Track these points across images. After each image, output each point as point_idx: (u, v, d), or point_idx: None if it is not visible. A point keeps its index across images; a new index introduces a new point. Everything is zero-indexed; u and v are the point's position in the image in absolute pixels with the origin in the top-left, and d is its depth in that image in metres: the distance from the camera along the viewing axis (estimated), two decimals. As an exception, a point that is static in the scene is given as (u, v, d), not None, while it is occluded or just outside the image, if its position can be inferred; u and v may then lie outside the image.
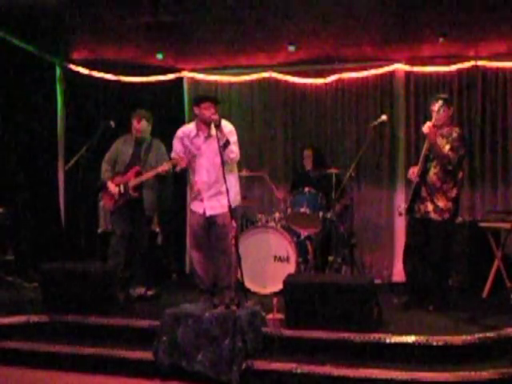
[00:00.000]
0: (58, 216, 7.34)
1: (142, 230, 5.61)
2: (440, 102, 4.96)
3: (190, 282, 6.81)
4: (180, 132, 5.15)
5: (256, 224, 6.03)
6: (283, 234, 5.86)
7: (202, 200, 5.03)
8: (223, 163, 4.69)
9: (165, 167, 5.36)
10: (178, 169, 5.07)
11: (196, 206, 5.09)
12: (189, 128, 5.11)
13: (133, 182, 5.48)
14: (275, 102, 7.45)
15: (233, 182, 5.00)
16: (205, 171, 4.99)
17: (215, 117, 4.79)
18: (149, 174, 5.44)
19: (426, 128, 4.88)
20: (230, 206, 4.59)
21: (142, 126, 5.58)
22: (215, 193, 4.98)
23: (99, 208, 6.85)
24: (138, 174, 5.50)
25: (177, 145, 5.12)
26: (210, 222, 5.03)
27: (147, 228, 5.73)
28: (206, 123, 4.92)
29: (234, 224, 4.57)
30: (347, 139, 7.19)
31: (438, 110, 4.93)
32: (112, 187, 5.50)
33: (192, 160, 5.08)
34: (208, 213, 4.99)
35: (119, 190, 5.49)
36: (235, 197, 5.03)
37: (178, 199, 7.63)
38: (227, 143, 4.81)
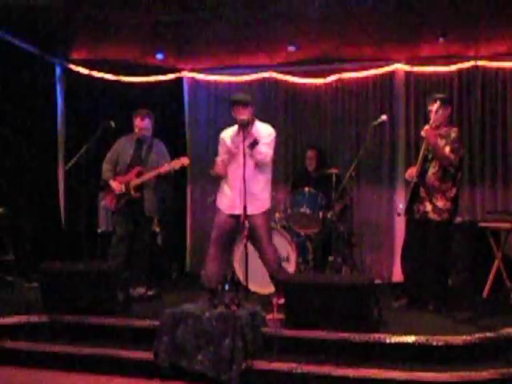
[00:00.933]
0: (58, 216, 7.34)
1: (142, 230, 5.61)
2: (438, 103, 4.96)
3: (190, 281, 6.86)
4: (222, 134, 5.13)
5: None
6: (283, 234, 5.86)
7: (232, 199, 5.00)
8: (245, 164, 4.71)
9: (166, 168, 5.38)
10: (215, 172, 5.00)
11: (224, 205, 5.07)
12: (232, 128, 5.11)
13: (134, 182, 5.49)
14: (275, 102, 7.46)
15: (263, 185, 5.01)
16: (240, 170, 4.95)
17: (241, 117, 4.83)
18: (150, 175, 5.46)
19: (424, 132, 4.89)
20: (245, 207, 4.60)
21: (145, 123, 5.58)
22: (247, 193, 4.91)
23: (99, 208, 6.86)
24: (140, 174, 5.51)
25: (220, 148, 5.10)
26: (239, 222, 4.99)
27: (148, 228, 5.73)
28: (241, 124, 4.94)
29: (246, 224, 4.61)
30: (347, 139, 7.20)
31: (437, 111, 4.94)
32: (115, 185, 5.51)
33: (230, 159, 5.07)
34: (237, 212, 4.95)
35: (121, 190, 5.50)
36: (266, 199, 5.04)
37: (179, 199, 7.65)
38: (255, 143, 4.82)
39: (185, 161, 5.47)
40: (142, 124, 5.58)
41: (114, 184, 5.53)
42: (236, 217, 4.94)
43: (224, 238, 5.04)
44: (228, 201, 5.02)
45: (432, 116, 4.97)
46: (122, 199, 5.53)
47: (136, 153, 5.64)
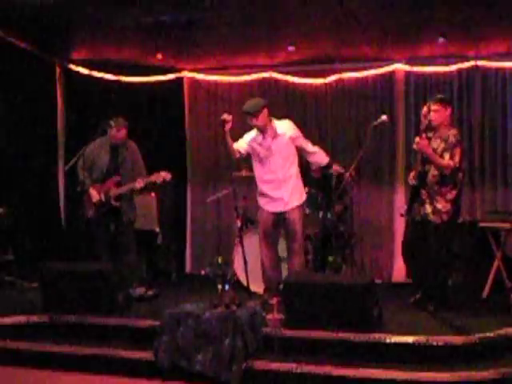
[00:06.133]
0: (57, 216, 7.34)
1: (126, 233, 5.54)
2: (425, 108, 5.00)
3: (190, 282, 6.86)
4: (249, 135, 5.22)
5: (256, 224, 6.03)
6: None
7: (271, 198, 5.16)
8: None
9: (140, 183, 5.37)
10: (226, 128, 5.00)
11: (265, 204, 5.22)
12: (254, 134, 5.19)
13: (114, 192, 5.45)
14: (275, 102, 7.43)
15: (296, 180, 5.20)
16: (280, 169, 5.13)
17: (254, 125, 5.07)
18: (128, 187, 5.42)
19: (416, 145, 4.89)
20: (236, 208, 4.83)
21: (122, 134, 5.51)
22: (284, 190, 5.12)
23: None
24: (118, 183, 5.48)
25: (245, 139, 5.21)
26: (279, 218, 5.18)
27: (130, 229, 5.61)
28: (259, 130, 5.12)
29: (238, 224, 4.98)
30: (347, 139, 7.20)
31: (425, 115, 4.97)
32: (95, 195, 5.46)
33: (260, 161, 5.18)
34: (278, 210, 5.14)
35: (100, 199, 5.47)
36: (301, 194, 5.22)
37: (179, 199, 7.64)
38: None
39: (166, 176, 5.41)
40: (118, 135, 5.49)
41: (94, 193, 5.47)
42: (278, 213, 5.15)
43: (270, 234, 5.25)
44: (268, 199, 5.18)
45: (421, 120, 5.01)
46: (103, 208, 5.48)
47: (112, 159, 5.55)
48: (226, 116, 4.91)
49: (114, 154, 5.58)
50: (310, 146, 5.26)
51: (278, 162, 5.12)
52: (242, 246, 4.90)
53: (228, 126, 4.95)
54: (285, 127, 5.15)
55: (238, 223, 4.85)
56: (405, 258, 5.31)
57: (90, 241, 5.71)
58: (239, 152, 5.17)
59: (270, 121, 5.12)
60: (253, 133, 5.20)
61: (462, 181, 5.04)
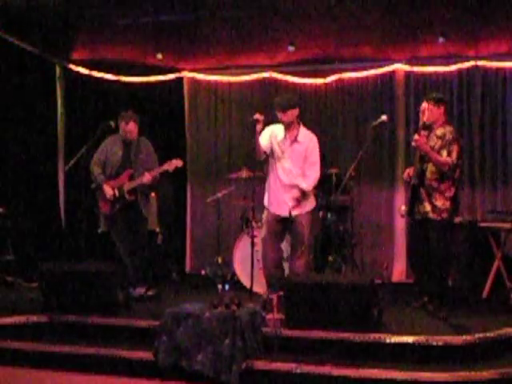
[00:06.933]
0: (57, 216, 7.34)
1: (140, 230, 5.61)
2: (424, 104, 5.00)
3: (190, 281, 6.86)
4: (269, 129, 5.12)
5: (256, 224, 6.02)
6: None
7: (280, 201, 5.07)
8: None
9: (148, 177, 5.41)
10: (258, 128, 4.92)
11: (270, 204, 5.15)
12: (278, 128, 5.10)
13: (128, 186, 5.48)
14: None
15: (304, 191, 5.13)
16: (286, 174, 5.06)
17: (280, 119, 4.99)
18: (142, 179, 5.45)
19: (414, 142, 4.90)
20: (253, 207, 4.86)
21: (130, 127, 5.54)
22: (295, 194, 5.05)
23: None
24: (131, 177, 5.51)
25: (265, 136, 5.08)
26: (285, 220, 5.10)
27: (144, 227, 5.71)
28: (284, 127, 5.05)
29: (254, 225, 4.99)
30: (347, 139, 7.20)
31: (423, 112, 4.97)
32: (108, 190, 5.48)
33: (273, 159, 5.11)
34: (283, 213, 5.06)
35: (114, 195, 5.49)
36: (311, 202, 5.16)
37: (179, 199, 7.64)
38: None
39: (178, 163, 5.48)
40: (126, 128, 5.53)
41: (107, 189, 5.50)
42: (286, 217, 5.06)
43: (275, 233, 5.18)
44: (277, 202, 5.09)
45: (420, 117, 5.02)
46: (117, 204, 5.51)
47: (125, 154, 5.60)
48: (258, 116, 4.83)
49: (127, 149, 5.62)
50: (309, 170, 5.08)
51: (288, 167, 5.04)
52: (253, 247, 4.91)
53: (260, 127, 4.88)
54: (308, 138, 5.08)
55: (254, 224, 4.88)
56: (410, 262, 5.29)
57: (98, 238, 5.75)
58: (265, 152, 5.08)
59: (298, 124, 5.06)
60: (276, 129, 5.10)
61: (459, 178, 5.05)
